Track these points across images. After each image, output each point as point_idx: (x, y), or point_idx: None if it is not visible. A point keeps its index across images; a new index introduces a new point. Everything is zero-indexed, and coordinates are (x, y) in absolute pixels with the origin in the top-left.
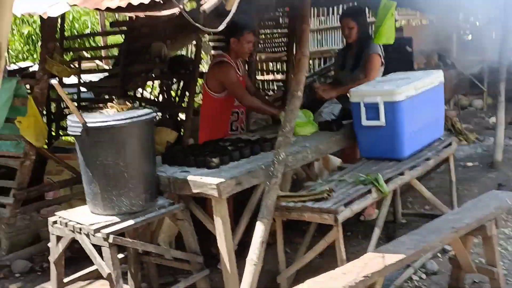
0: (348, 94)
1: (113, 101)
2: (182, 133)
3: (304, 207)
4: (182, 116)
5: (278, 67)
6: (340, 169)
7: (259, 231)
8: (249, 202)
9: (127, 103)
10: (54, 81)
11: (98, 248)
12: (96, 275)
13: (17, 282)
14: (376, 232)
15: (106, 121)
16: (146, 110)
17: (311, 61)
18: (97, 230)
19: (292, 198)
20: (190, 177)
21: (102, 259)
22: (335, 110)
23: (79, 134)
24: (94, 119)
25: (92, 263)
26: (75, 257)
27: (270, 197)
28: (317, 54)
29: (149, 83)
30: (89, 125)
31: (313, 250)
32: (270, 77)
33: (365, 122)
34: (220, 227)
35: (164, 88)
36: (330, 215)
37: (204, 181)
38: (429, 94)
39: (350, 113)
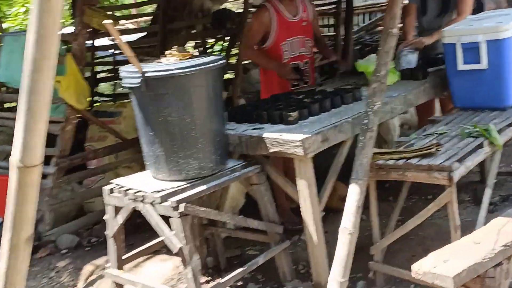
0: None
1: (173, 48)
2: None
3: (408, 165)
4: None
5: (325, 22)
6: (432, 122)
7: (354, 194)
8: (335, 161)
9: (189, 50)
10: (107, 22)
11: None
12: (153, 250)
13: (65, 259)
14: (488, 193)
15: (169, 70)
16: (214, 57)
17: (356, 17)
18: (165, 198)
19: (391, 155)
20: (266, 134)
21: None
22: (413, 57)
23: (137, 85)
24: (154, 68)
25: (143, 236)
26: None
27: (366, 154)
28: (361, 9)
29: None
30: (148, 74)
31: (418, 216)
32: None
33: (461, 66)
34: (306, 191)
35: (207, 44)
36: (443, 173)
37: (285, 137)
38: None
39: (432, 60)
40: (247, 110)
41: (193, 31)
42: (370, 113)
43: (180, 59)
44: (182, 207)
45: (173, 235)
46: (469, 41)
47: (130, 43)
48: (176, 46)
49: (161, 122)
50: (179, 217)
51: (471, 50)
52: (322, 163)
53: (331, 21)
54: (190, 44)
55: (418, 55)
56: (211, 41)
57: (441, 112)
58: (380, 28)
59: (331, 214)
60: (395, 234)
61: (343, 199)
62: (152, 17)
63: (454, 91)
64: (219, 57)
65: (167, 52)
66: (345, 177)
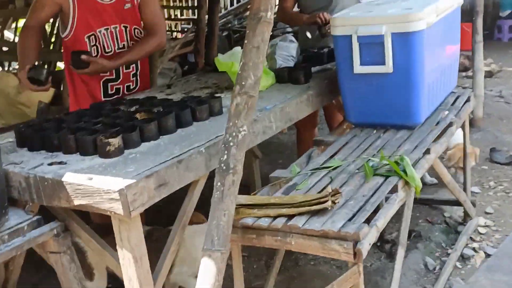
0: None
1: None
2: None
3: (291, 228)
4: (61, 64)
5: (187, 3)
6: (318, 144)
7: (209, 276)
8: (181, 212)
9: None
10: None
11: None
12: None
13: None
14: (401, 254)
15: None
16: None
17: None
18: None
19: (265, 210)
20: (68, 176)
21: None
22: (291, 51)
23: None
24: None
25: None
26: None
27: (226, 209)
28: None
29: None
30: None
31: None
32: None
33: (358, 68)
34: (131, 269)
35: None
36: (346, 244)
37: (95, 184)
38: (448, 23)
39: (316, 57)
40: (45, 130)
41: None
42: (232, 145)
43: None
44: None
45: None
46: (369, 33)
47: None
48: None
49: None
50: None
51: (372, 47)
52: None
53: (194, 2)
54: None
55: (298, 48)
56: None
57: (327, 126)
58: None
59: None
60: None
61: None
62: None
63: (347, 101)
64: None
65: None
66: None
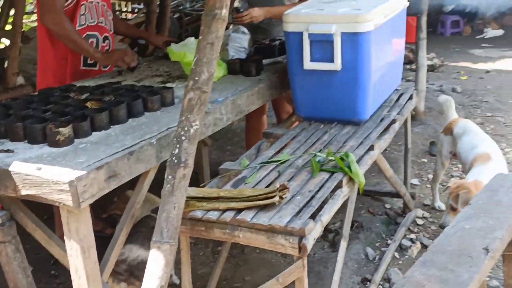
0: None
1: None
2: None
3: (239, 222)
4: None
5: None
6: (268, 137)
7: (157, 269)
8: (130, 204)
9: None
10: None
11: None
12: None
13: None
14: (343, 247)
15: None
16: None
17: None
18: None
19: (214, 203)
20: (15, 166)
21: None
22: (243, 43)
23: None
24: None
25: None
26: None
27: (176, 202)
28: None
29: None
30: None
31: None
32: None
33: (308, 64)
34: (78, 259)
35: None
36: (292, 239)
37: (44, 175)
38: (394, 24)
39: (266, 49)
40: None
41: None
42: (183, 139)
43: None
44: None
45: None
46: (320, 31)
47: None
48: None
49: None
50: None
51: (322, 44)
52: None
53: None
54: None
55: (250, 40)
56: None
57: (275, 114)
58: None
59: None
60: None
61: None
62: None
63: (297, 96)
64: None
65: None
66: None
